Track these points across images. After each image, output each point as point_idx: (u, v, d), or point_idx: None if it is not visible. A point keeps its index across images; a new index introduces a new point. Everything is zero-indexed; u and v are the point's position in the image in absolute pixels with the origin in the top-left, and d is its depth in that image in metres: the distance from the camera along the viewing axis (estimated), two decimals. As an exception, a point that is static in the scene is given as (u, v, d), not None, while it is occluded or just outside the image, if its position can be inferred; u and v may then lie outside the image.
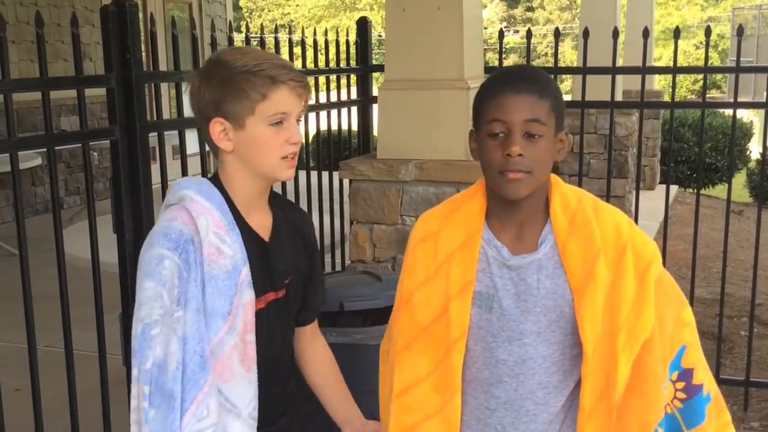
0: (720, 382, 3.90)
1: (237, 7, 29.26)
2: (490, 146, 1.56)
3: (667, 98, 10.02)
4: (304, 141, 3.87)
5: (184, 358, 1.59)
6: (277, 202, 1.86)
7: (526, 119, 1.53)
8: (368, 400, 2.40)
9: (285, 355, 1.88)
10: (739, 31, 3.67)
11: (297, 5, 38.03)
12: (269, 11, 37.58)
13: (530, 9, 40.27)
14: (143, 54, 2.58)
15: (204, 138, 1.76)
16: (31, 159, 6.70)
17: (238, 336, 1.68)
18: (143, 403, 1.58)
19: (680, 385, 1.65)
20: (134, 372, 1.61)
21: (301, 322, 1.94)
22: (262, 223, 1.79)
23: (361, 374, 2.52)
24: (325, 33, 3.96)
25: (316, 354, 2.00)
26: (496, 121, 1.55)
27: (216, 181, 1.75)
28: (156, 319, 1.60)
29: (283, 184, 3.78)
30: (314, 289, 1.94)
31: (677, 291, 1.69)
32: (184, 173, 2.71)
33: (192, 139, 2.80)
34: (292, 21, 33.76)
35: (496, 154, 1.55)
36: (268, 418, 1.77)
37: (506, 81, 1.57)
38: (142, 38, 2.74)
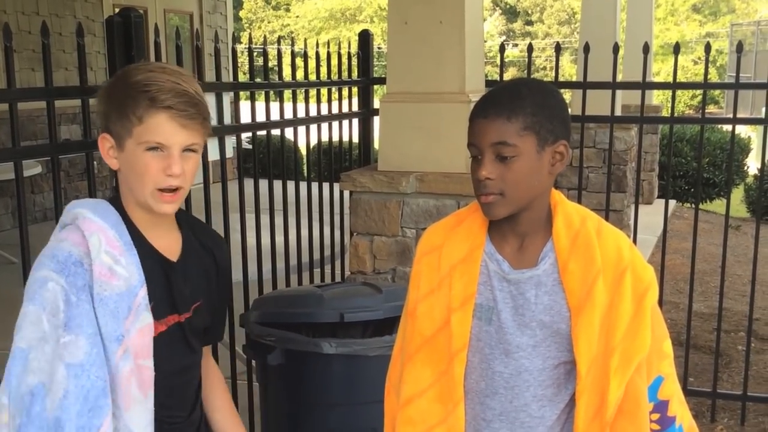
0: (717, 396, 3.92)
1: (237, 18, 29.35)
2: (472, 168, 1.60)
3: (665, 113, 10.06)
4: (304, 152, 3.89)
5: (86, 385, 1.49)
6: (188, 222, 1.78)
7: (493, 143, 1.55)
8: (367, 412, 2.41)
9: (190, 381, 1.79)
10: (739, 48, 3.69)
11: (297, 17, 38.16)
12: (269, 22, 37.69)
13: (529, 23, 40.42)
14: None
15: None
16: (32, 167, 6.71)
17: (133, 361, 1.58)
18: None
19: (655, 416, 1.67)
20: (3, 399, 1.51)
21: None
22: (169, 243, 1.70)
23: (361, 385, 2.53)
24: (327, 45, 3.98)
25: (209, 373, 1.91)
26: (471, 145, 1.59)
27: (116, 201, 1.66)
28: (32, 345, 1.51)
29: (285, 194, 3.81)
30: (219, 313, 1.87)
31: (662, 322, 1.71)
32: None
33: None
34: (291, 32, 33.84)
35: (474, 177, 1.59)
36: None
37: (480, 105, 1.60)
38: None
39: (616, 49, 3.78)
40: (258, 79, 3.49)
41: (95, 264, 1.54)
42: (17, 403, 1.50)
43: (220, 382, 1.94)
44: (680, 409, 1.70)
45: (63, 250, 1.56)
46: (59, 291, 1.52)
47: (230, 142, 3.30)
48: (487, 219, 1.66)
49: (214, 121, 3.00)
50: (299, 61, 3.73)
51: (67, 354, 1.50)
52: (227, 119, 3.08)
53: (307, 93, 3.76)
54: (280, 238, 3.53)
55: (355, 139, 4.34)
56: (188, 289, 1.71)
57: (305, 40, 3.89)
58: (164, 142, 1.57)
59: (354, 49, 4.27)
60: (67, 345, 1.51)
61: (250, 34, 3.90)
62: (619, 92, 3.90)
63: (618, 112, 4.14)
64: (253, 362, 2.90)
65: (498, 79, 3.84)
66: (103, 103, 1.61)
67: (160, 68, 1.61)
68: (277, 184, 3.43)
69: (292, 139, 4.07)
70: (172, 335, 1.68)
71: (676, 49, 3.74)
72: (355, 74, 4.24)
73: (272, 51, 3.56)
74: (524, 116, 1.55)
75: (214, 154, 2.99)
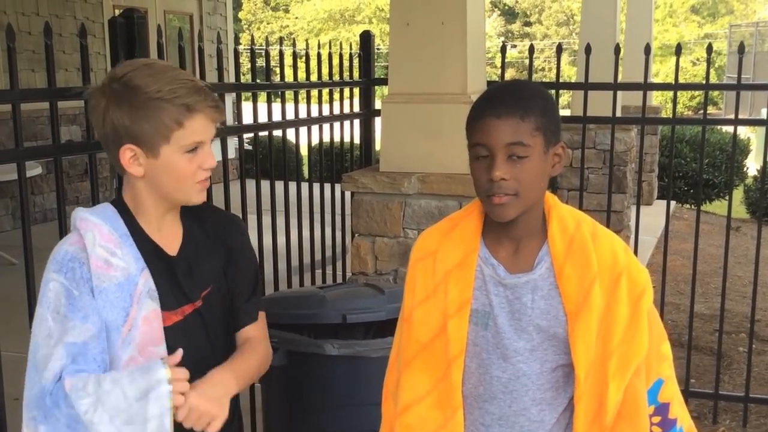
0: (719, 398, 3.92)
1: (236, 19, 29.34)
2: (477, 169, 1.57)
3: (664, 114, 10.06)
4: (306, 153, 3.90)
5: (84, 367, 1.56)
6: (194, 213, 1.80)
7: (508, 143, 1.52)
8: (370, 413, 2.40)
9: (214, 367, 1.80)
10: (740, 49, 3.69)
11: (296, 18, 38.16)
12: (268, 23, 37.70)
13: (528, 24, 40.44)
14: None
15: (111, 161, 1.68)
16: (32, 168, 6.70)
17: (135, 349, 1.62)
18: (32, 429, 1.58)
19: (656, 419, 1.67)
20: (30, 413, 1.60)
21: (238, 324, 1.87)
22: (170, 238, 1.74)
23: (363, 387, 2.53)
24: (329, 46, 3.98)
25: (246, 344, 1.87)
26: (479, 145, 1.55)
27: (119, 204, 1.70)
28: (39, 342, 1.58)
29: (286, 195, 3.80)
30: (245, 294, 1.86)
31: (659, 324, 1.71)
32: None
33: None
34: (291, 33, 33.86)
35: (482, 178, 1.56)
36: None
37: (488, 104, 1.57)
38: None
39: (617, 50, 3.78)
40: (259, 80, 3.49)
41: (91, 258, 1.60)
42: (32, 401, 1.58)
43: (250, 351, 1.83)
44: (681, 411, 1.71)
45: (61, 251, 1.63)
46: (60, 288, 1.59)
47: (232, 143, 3.30)
48: (481, 223, 1.65)
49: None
50: (300, 62, 3.72)
51: (70, 336, 1.57)
52: (229, 120, 3.08)
53: (308, 94, 3.76)
54: (281, 239, 3.53)
55: (357, 140, 4.34)
56: (194, 278, 1.74)
57: (306, 41, 3.89)
58: (203, 140, 1.64)
59: (355, 49, 4.27)
60: (68, 330, 1.57)
61: (252, 35, 3.90)
62: (619, 93, 3.89)
63: (618, 113, 4.13)
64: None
65: (499, 80, 3.83)
66: (122, 115, 1.60)
67: (162, 70, 1.63)
68: (279, 185, 3.43)
69: (293, 140, 4.07)
70: (188, 323, 1.72)
71: (678, 50, 3.73)
72: (356, 75, 4.24)
73: (273, 52, 3.56)
74: (535, 117, 1.54)
75: (216, 155, 2.98)
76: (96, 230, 1.63)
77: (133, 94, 1.59)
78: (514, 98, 1.56)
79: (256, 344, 1.86)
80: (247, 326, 1.86)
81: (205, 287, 1.76)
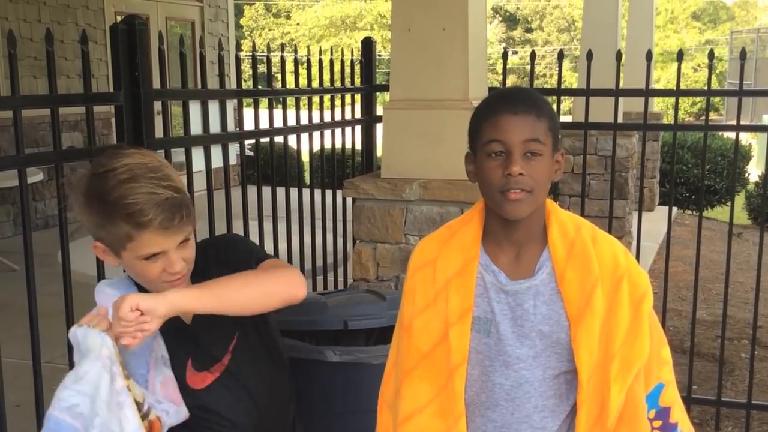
0: (721, 404, 3.91)
1: (238, 26, 29.41)
2: (490, 167, 1.56)
3: (666, 120, 10.06)
4: (306, 160, 3.90)
5: None
6: (195, 272, 1.77)
7: (526, 139, 1.54)
8: (372, 420, 2.39)
9: (275, 405, 1.87)
10: (742, 55, 3.69)
11: (297, 24, 38.21)
12: (270, 30, 37.74)
13: (529, 30, 40.47)
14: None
15: None
16: (33, 174, 6.71)
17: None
18: None
19: (657, 423, 1.67)
20: None
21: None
22: None
23: (364, 393, 2.51)
24: (330, 52, 3.98)
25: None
26: (494, 141, 1.55)
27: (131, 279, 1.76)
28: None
29: (288, 201, 3.80)
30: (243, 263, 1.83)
31: (659, 328, 1.72)
32: (190, 190, 2.72)
33: (198, 156, 2.81)
34: (293, 40, 33.90)
35: (497, 175, 1.55)
36: None
37: (502, 102, 1.58)
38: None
39: (618, 56, 3.78)
40: (260, 87, 3.49)
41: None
42: None
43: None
44: (681, 416, 1.71)
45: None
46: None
47: (234, 149, 3.30)
48: (481, 230, 1.65)
49: (217, 129, 3.00)
50: (302, 69, 3.73)
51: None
52: (231, 126, 3.08)
53: (310, 100, 3.76)
54: (283, 246, 3.53)
55: (358, 146, 4.34)
56: (215, 338, 1.77)
57: (308, 47, 3.89)
58: (159, 251, 1.64)
59: (356, 56, 4.27)
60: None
61: (253, 41, 3.91)
62: (620, 99, 3.89)
63: (619, 119, 4.13)
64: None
65: (501, 86, 3.83)
66: (89, 218, 1.65)
67: (130, 172, 1.61)
68: (280, 191, 3.43)
69: (294, 146, 4.07)
70: (225, 379, 1.77)
71: (680, 56, 3.73)
72: (357, 81, 4.24)
73: (275, 58, 3.56)
74: (547, 119, 1.57)
75: (217, 162, 2.99)
76: (110, 302, 1.63)
77: (96, 200, 1.63)
78: (527, 98, 1.59)
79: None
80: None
81: (230, 340, 1.79)
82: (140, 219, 1.59)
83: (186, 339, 1.75)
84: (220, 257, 1.84)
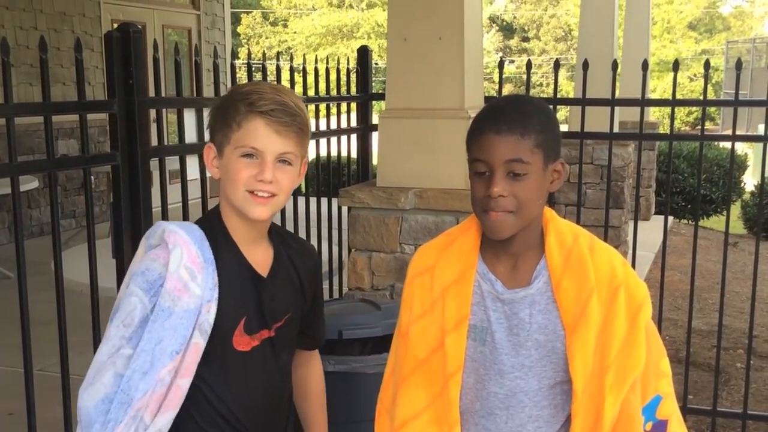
0: (717, 414, 3.90)
1: (235, 34, 29.44)
2: (476, 184, 1.56)
3: (662, 129, 10.08)
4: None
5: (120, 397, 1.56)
6: (280, 236, 1.82)
7: (507, 159, 1.52)
8: (367, 429, 2.38)
9: (280, 404, 1.83)
10: (738, 65, 3.69)
11: (294, 32, 38.26)
12: (266, 38, 37.79)
13: (526, 39, 40.58)
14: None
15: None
16: (28, 182, 6.69)
17: (171, 380, 1.61)
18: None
19: None
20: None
21: (301, 348, 1.93)
22: (262, 258, 1.74)
23: (359, 403, 2.51)
24: (326, 61, 3.98)
25: (309, 376, 1.98)
26: (478, 161, 1.55)
27: (216, 215, 1.72)
28: (102, 359, 1.60)
29: (283, 209, 3.79)
30: (314, 318, 1.91)
31: (658, 340, 1.71)
32: (184, 199, 2.71)
33: (192, 164, 2.80)
34: (289, 48, 33.95)
35: (480, 193, 1.55)
36: None
37: (487, 120, 1.57)
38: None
39: (614, 66, 3.78)
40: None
41: (171, 278, 1.58)
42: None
43: (319, 387, 1.99)
44: (679, 429, 1.70)
45: (154, 271, 1.61)
46: (139, 308, 1.58)
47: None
48: (479, 239, 1.64)
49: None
50: (298, 77, 3.72)
51: (120, 365, 1.57)
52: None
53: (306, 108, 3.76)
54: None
55: (354, 155, 4.34)
56: (277, 304, 1.75)
57: (304, 55, 3.90)
58: (259, 148, 1.63)
59: (352, 65, 4.27)
60: (122, 356, 1.57)
61: (248, 49, 3.91)
62: (616, 109, 3.89)
63: (616, 129, 4.14)
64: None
65: (497, 95, 3.83)
66: (211, 116, 1.70)
67: (266, 83, 1.76)
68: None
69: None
70: (263, 349, 1.73)
71: (675, 66, 3.74)
72: (353, 90, 4.24)
73: (271, 67, 3.56)
74: (536, 134, 1.54)
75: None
76: (185, 248, 1.62)
77: (224, 97, 1.70)
78: (514, 114, 1.55)
79: (316, 370, 1.99)
80: (311, 350, 1.96)
81: (285, 314, 1.77)
82: (257, 102, 1.62)
83: (254, 292, 1.70)
84: (311, 279, 1.87)
